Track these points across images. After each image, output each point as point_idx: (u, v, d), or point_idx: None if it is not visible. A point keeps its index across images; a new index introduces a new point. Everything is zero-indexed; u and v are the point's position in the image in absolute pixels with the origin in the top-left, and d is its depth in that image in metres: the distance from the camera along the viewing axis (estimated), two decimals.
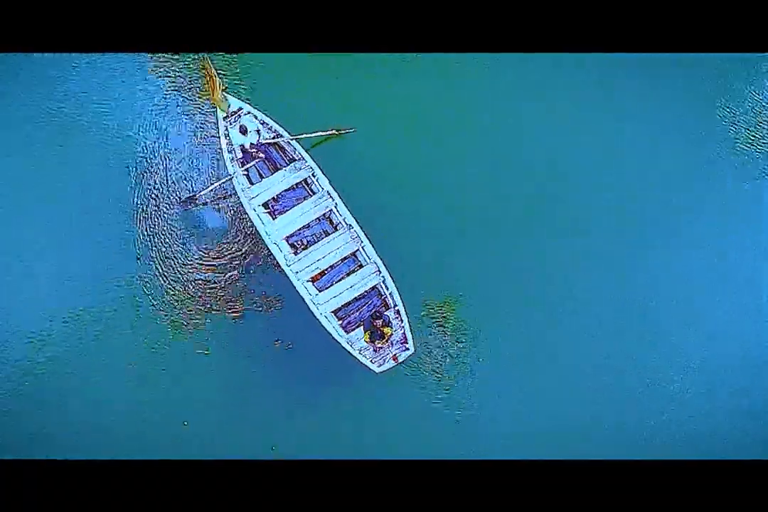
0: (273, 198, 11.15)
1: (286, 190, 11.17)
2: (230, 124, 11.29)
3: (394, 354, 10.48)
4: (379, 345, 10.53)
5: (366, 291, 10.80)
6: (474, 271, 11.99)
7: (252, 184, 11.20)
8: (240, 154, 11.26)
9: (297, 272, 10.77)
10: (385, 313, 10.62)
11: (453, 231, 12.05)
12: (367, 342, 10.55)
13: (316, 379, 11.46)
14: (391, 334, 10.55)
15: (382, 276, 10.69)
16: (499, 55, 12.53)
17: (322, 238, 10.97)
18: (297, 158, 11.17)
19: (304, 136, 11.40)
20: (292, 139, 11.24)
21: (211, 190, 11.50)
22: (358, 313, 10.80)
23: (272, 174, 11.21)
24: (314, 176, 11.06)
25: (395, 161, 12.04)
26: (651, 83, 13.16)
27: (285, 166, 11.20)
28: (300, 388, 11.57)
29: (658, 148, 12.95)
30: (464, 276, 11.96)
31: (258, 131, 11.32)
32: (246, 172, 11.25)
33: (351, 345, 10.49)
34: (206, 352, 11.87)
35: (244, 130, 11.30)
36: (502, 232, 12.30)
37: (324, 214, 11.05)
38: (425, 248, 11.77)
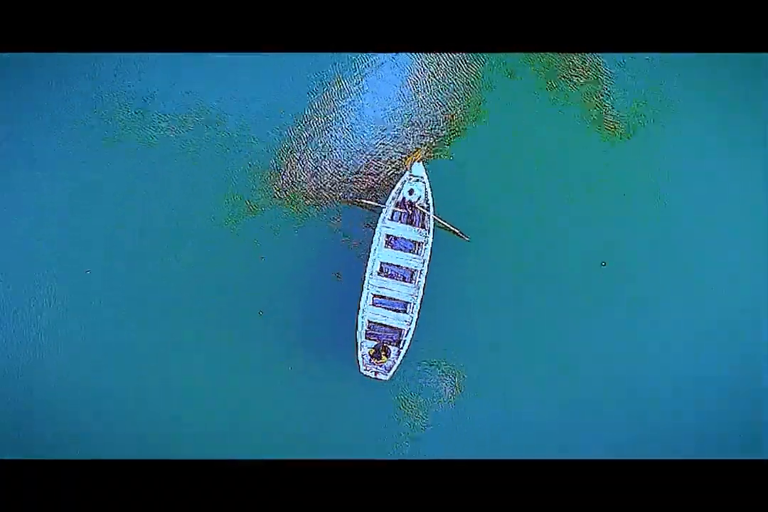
0: (394, 236, 15.43)
1: (404, 239, 15.47)
2: (408, 180, 15.68)
3: (376, 372, 14.44)
4: (373, 361, 14.48)
5: (394, 327, 14.94)
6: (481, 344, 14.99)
7: (392, 219, 15.50)
8: (399, 199, 15.60)
9: (371, 284, 14.89)
10: (392, 348, 14.67)
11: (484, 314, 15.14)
12: (369, 353, 14.52)
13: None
14: (385, 361, 14.56)
15: (410, 327, 14.82)
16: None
17: (400, 280, 15.16)
18: (427, 228, 15.52)
19: (440, 220, 15.78)
20: (433, 217, 15.64)
21: (371, 208, 15.75)
22: (379, 334, 14.86)
23: (405, 224, 15.54)
24: (426, 244, 15.37)
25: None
26: None
27: (416, 227, 15.56)
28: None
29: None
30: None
31: (419, 197, 15.71)
32: (393, 210, 15.55)
33: (360, 346, 14.45)
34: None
35: (411, 191, 15.67)
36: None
37: (411, 269, 15.30)
38: (448, 327, 15.38)
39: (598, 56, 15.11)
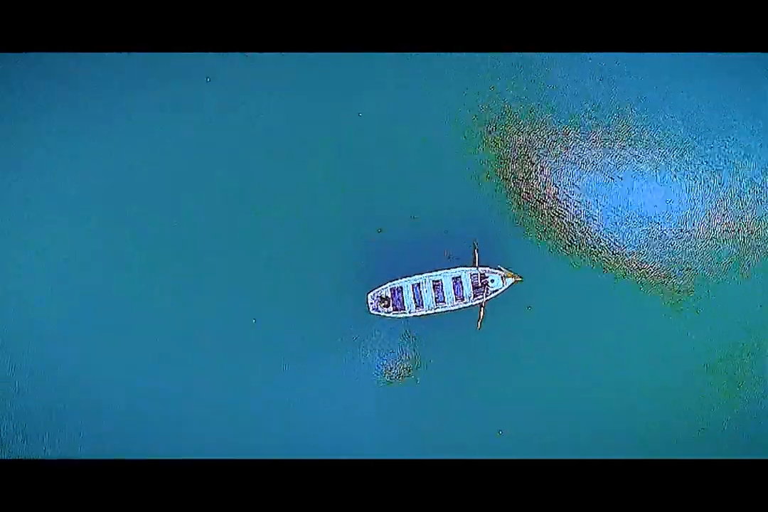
0: (460, 282, 22.22)
1: (461, 288, 22.23)
2: (500, 276, 22.45)
3: (372, 303, 21.53)
4: (378, 299, 21.12)
5: (404, 304, 21.71)
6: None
7: (471, 276, 22.28)
8: (483, 276, 22.36)
9: (424, 281, 21.95)
10: (390, 308, 21.26)
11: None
12: (381, 296, 21.20)
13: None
14: (381, 307, 21.11)
15: (404, 315, 21.62)
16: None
17: (434, 296, 21.84)
18: (472, 299, 22.21)
19: (483, 305, 22.36)
20: (484, 301, 22.27)
21: (472, 258, 22.61)
22: (395, 297, 21.75)
23: (471, 285, 22.26)
24: (462, 303, 22.13)
25: None
26: None
27: (471, 292, 22.27)
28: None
29: None
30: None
31: (491, 288, 22.41)
32: (478, 274, 22.31)
33: (384, 286, 21.54)
34: None
35: (493, 280, 22.42)
36: None
37: (443, 301, 22.01)
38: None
39: None
